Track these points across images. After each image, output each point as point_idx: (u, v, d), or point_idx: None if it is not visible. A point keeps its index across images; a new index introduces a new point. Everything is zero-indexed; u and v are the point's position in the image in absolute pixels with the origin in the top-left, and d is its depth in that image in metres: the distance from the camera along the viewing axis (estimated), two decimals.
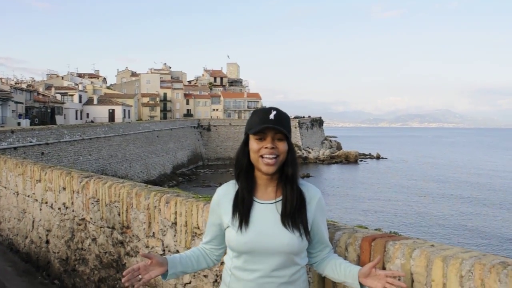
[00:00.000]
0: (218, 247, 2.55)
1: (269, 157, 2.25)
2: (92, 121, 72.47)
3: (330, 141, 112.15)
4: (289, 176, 2.32)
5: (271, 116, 2.25)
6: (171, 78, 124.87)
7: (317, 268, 2.49)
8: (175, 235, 3.86)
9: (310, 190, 2.39)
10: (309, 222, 2.32)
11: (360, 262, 2.48)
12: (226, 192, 2.43)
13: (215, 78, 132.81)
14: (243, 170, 2.36)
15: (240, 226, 2.29)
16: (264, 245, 2.26)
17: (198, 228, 3.57)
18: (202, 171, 76.04)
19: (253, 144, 2.29)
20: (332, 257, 2.44)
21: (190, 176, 68.92)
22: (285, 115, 2.32)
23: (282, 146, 2.28)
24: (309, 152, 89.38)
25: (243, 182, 2.36)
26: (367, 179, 66.62)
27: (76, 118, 76.82)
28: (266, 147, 2.25)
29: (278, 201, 2.33)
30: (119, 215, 4.69)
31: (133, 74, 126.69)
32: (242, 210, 2.31)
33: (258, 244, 2.26)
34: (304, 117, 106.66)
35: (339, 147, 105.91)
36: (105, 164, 48.24)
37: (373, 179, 67.06)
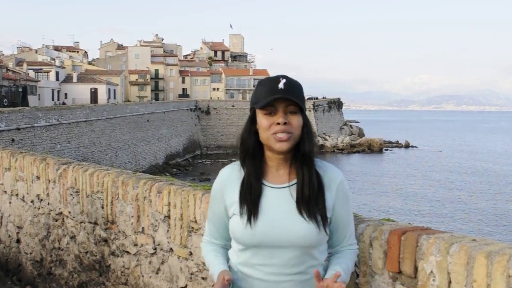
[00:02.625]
0: (230, 242, 2.51)
1: (283, 133, 2.23)
2: (64, 103, 72.09)
3: (351, 126, 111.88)
4: (306, 154, 2.30)
5: (281, 85, 2.24)
6: (164, 52, 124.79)
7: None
8: (168, 231, 3.85)
9: (329, 171, 2.37)
10: (328, 210, 2.31)
11: (387, 259, 2.46)
12: (231, 174, 2.42)
13: (215, 52, 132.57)
14: (250, 152, 2.35)
15: (249, 219, 2.27)
16: (276, 237, 2.25)
17: (196, 222, 3.56)
18: (200, 161, 76.09)
19: (262, 120, 2.28)
20: (340, 255, 2.40)
21: (186, 167, 69.00)
22: (297, 83, 2.31)
23: (296, 121, 2.26)
24: (326, 140, 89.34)
25: (250, 167, 2.35)
26: (393, 171, 66.52)
27: (53, 99, 76.92)
28: (278, 123, 2.23)
29: (293, 184, 2.32)
30: (102, 208, 4.69)
31: (119, 47, 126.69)
32: (250, 200, 2.29)
33: (269, 236, 2.25)
34: (317, 98, 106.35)
35: (361, 134, 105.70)
36: (86, 153, 48.33)
37: (401, 171, 66.94)
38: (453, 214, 42.81)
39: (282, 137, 2.23)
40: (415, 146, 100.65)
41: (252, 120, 2.34)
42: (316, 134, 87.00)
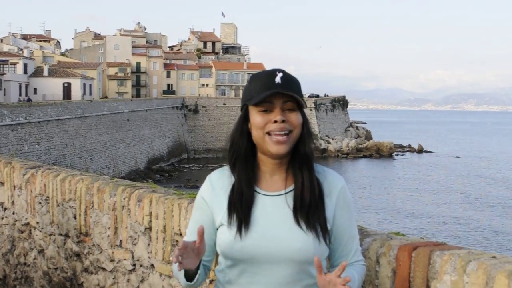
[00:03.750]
0: (210, 258, 2.49)
1: (280, 133, 2.23)
2: (29, 99, 71.57)
3: (357, 128, 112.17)
4: (305, 156, 2.31)
5: (278, 79, 2.25)
6: (147, 42, 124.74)
7: None
8: (149, 244, 3.84)
9: (329, 177, 2.38)
10: (328, 221, 2.30)
11: (396, 278, 2.46)
12: (220, 180, 2.42)
13: (205, 43, 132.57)
14: (241, 155, 2.35)
15: (239, 230, 2.26)
16: (268, 250, 2.24)
17: (181, 234, 3.55)
18: (186, 166, 76.13)
19: (256, 118, 2.28)
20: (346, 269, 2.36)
21: (171, 172, 68.97)
22: (295, 78, 2.33)
23: (295, 118, 2.27)
24: (329, 143, 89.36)
25: (242, 172, 2.34)
26: (404, 179, 66.61)
27: (20, 94, 76.70)
28: (275, 121, 2.24)
29: (289, 191, 2.31)
30: (75, 218, 4.67)
31: (96, 36, 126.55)
32: (241, 208, 2.29)
33: (261, 248, 2.24)
34: (318, 95, 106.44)
35: (368, 136, 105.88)
36: (58, 156, 48.26)
37: (413, 179, 67.01)
38: (470, 228, 42.85)
39: (280, 139, 2.23)
40: (429, 151, 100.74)
41: (245, 118, 2.35)
42: (318, 136, 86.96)
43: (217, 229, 2.37)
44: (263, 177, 2.35)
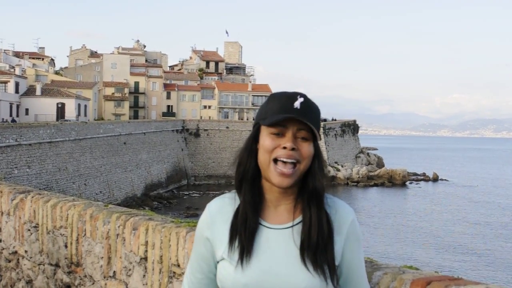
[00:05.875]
0: None
1: (286, 161, 2.20)
2: (14, 121, 71.42)
3: (368, 154, 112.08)
4: (315, 192, 2.27)
5: (297, 104, 2.23)
6: (146, 61, 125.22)
7: None
8: (144, 276, 3.82)
9: (340, 210, 2.34)
10: (336, 258, 2.27)
11: None
12: (221, 208, 2.39)
13: (207, 63, 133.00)
14: (249, 176, 2.32)
15: (241, 258, 2.23)
16: (272, 287, 2.20)
17: (178, 265, 3.53)
18: (186, 193, 76.04)
19: (266, 139, 2.25)
20: None
21: (170, 200, 68.90)
22: (315, 106, 2.30)
23: (307, 149, 2.24)
24: (338, 170, 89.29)
25: (247, 195, 2.31)
26: (418, 209, 66.41)
27: (11, 115, 76.91)
28: (284, 147, 2.21)
29: (296, 224, 2.28)
30: (66, 247, 4.65)
31: (93, 54, 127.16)
32: (244, 235, 2.25)
33: (264, 285, 2.21)
34: (326, 119, 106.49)
35: (380, 164, 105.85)
36: (49, 181, 48.26)
37: (427, 209, 66.83)
38: (488, 262, 42.66)
39: (284, 171, 2.20)
40: (445, 180, 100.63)
41: (255, 137, 2.32)
42: (327, 163, 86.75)
43: (218, 262, 2.33)
44: (268, 207, 2.32)
